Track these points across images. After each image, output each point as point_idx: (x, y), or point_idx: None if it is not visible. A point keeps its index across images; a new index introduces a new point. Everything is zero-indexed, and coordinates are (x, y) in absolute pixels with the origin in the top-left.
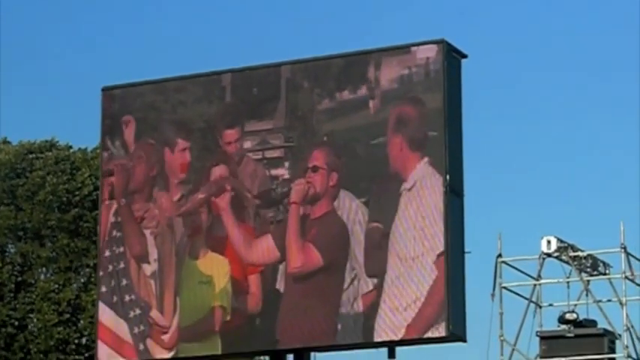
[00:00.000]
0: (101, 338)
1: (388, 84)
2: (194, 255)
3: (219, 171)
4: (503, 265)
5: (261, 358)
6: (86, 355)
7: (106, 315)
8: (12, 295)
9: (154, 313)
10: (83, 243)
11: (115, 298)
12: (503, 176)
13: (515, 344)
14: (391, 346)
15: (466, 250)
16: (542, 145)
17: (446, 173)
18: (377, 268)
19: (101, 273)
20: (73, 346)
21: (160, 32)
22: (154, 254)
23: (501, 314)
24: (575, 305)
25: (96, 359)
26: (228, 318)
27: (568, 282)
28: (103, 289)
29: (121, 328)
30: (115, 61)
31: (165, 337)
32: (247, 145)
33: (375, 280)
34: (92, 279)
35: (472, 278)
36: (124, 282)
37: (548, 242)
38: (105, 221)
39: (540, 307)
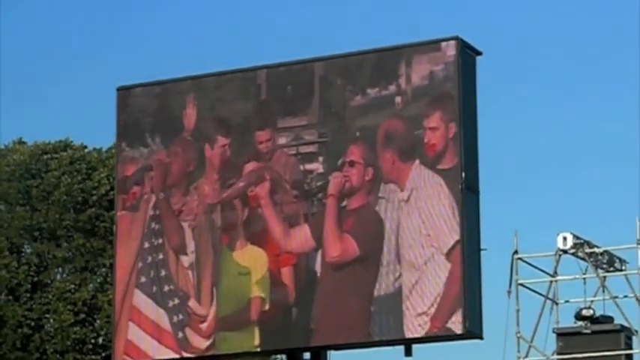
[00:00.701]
0: (140, 326)
1: (419, 80)
2: (232, 247)
3: (252, 167)
4: (520, 261)
5: (278, 357)
6: (103, 354)
7: (145, 304)
8: (28, 295)
9: (192, 303)
10: (99, 243)
11: (154, 288)
12: (519, 173)
13: (531, 341)
14: (408, 343)
15: (482, 247)
16: (558, 142)
17: (461, 170)
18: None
19: (140, 264)
20: (90, 346)
21: (174, 33)
22: (191, 246)
23: (518, 311)
24: (592, 301)
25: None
26: (267, 308)
27: (584, 278)
28: (143, 279)
29: (161, 317)
30: (131, 61)
31: (203, 326)
32: (282, 140)
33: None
34: (108, 279)
35: (488, 275)
36: (163, 273)
37: (564, 239)
38: (143, 215)
39: (557, 303)
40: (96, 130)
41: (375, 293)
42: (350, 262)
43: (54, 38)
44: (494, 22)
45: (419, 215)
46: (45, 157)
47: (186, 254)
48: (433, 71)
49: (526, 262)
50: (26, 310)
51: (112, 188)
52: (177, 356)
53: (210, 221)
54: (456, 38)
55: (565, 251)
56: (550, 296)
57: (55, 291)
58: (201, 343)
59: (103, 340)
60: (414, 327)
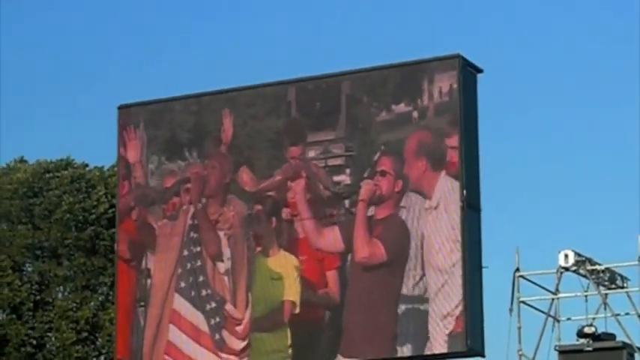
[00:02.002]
0: (180, 328)
1: (439, 97)
2: (265, 253)
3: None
4: (521, 279)
5: None
6: None
7: (184, 308)
8: (30, 313)
9: (228, 307)
10: (100, 261)
11: (192, 293)
12: (521, 191)
13: (533, 359)
14: None
15: (483, 264)
16: (559, 159)
17: (463, 188)
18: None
19: (180, 270)
20: None
21: (174, 51)
22: (227, 253)
23: (519, 329)
24: (594, 319)
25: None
26: (297, 311)
27: (586, 296)
28: (182, 284)
29: (199, 319)
30: (132, 80)
31: (239, 328)
32: (311, 154)
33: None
34: (110, 297)
35: (490, 293)
36: (201, 278)
37: (566, 256)
38: (182, 225)
39: (558, 321)
40: (97, 149)
41: (402, 294)
42: (378, 266)
43: (55, 56)
44: (495, 40)
45: (448, 221)
46: (47, 175)
47: (222, 261)
48: (453, 89)
49: (528, 279)
50: (29, 328)
51: (112, 206)
52: (214, 357)
53: (244, 230)
54: (458, 56)
55: (567, 269)
56: (552, 314)
57: (57, 309)
58: (237, 345)
59: (105, 358)
60: (440, 328)
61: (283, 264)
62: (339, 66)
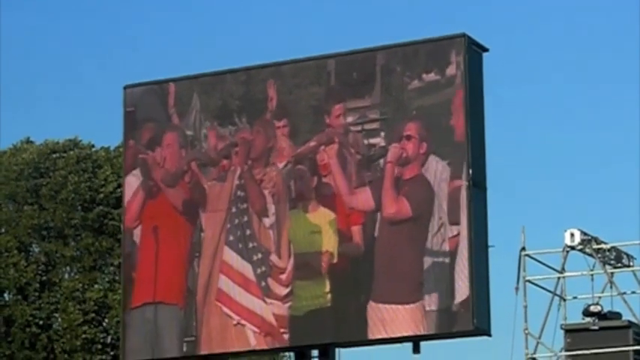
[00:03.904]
0: (230, 277)
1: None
2: (305, 209)
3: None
4: (527, 258)
5: (287, 354)
6: (112, 354)
7: (233, 259)
8: (37, 294)
9: (273, 257)
10: (107, 242)
11: (240, 245)
12: (527, 170)
13: (539, 337)
14: (416, 340)
15: (490, 244)
16: (564, 139)
17: (469, 167)
18: (458, 217)
19: (228, 225)
20: (99, 346)
21: (178, 32)
22: (271, 209)
23: (525, 307)
24: (600, 298)
25: None
26: (335, 261)
27: (592, 274)
28: (231, 237)
29: (247, 269)
30: (138, 60)
31: (283, 277)
32: (349, 119)
33: (458, 227)
34: (117, 277)
35: (496, 272)
36: (248, 232)
37: (572, 235)
38: (230, 185)
39: (564, 300)
40: (105, 129)
41: (427, 248)
42: (404, 220)
43: (61, 38)
44: (501, 20)
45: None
46: (53, 156)
47: (267, 216)
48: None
49: (533, 258)
50: (35, 309)
51: (119, 186)
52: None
53: (287, 188)
54: (463, 35)
55: (572, 247)
56: (558, 292)
57: (64, 290)
58: (281, 291)
59: (112, 339)
60: (462, 279)
61: (321, 218)
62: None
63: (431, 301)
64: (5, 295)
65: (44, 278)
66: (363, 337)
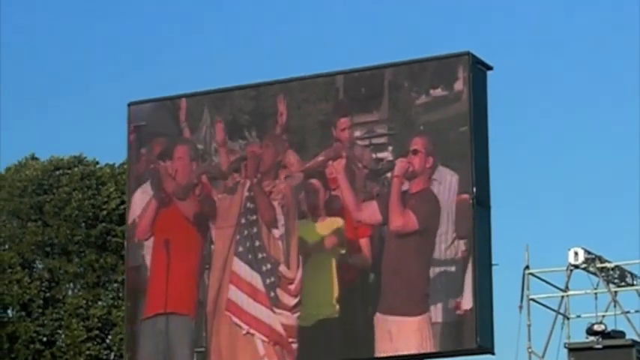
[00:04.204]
0: (239, 287)
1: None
2: (314, 221)
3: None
4: (531, 277)
5: None
6: None
7: (243, 270)
8: (40, 311)
9: (282, 268)
10: (111, 258)
11: (250, 256)
12: (531, 188)
13: (543, 356)
14: (419, 358)
15: (493, 262)
16: (569, 157)
17: (472, 185)
18: (465, 231)
19: (238, 237)
20: None
21: (182, 49)
22: (281, 220)
23: (529, 326)
24: (603, 316)
25: None
26: (343, 272)
27: (596, 293)
28: (240, 248)
29: (256, 279)
30: (143, 78)
31: (291, 287)
32: (357, 133)
33: (464, 240)
34: (120, 294)
35: (500, 290)
36: (257, 243)
37: (576, 254)
38: (240, 197)
39: (568, 318)
40: (110, 145)
41: (434, 258)
42: (411, 234)
43: (66, 52)
44: (505, 37)
45: None
46: (57, 172)
47: (276, 227)
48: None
49: (537, 277)
50: (38, 325)
51: (122, 202)
52: (270, 312)
53: (296, 200)
54: (467, 54)
55: (576, 266)
56: (561, 311)
57: (68, 307)
58: (290, 301)
59: (115, 355)
60: (470, 293)
61: (329, 230)
62: (340, 65)
63: (437, 313)
64: (9, 311)
65: (48, 295)
66: (370, 354)
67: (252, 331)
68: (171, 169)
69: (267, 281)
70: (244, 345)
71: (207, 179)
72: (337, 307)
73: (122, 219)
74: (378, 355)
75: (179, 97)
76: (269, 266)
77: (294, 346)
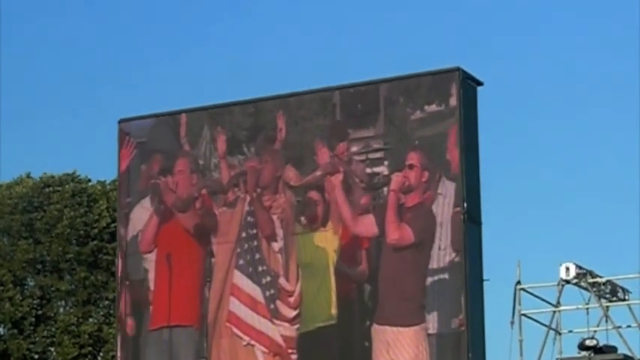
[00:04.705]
0: (240, 299)
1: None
2: (312, 234)
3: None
4: (522, 292)
5: None
6: None
7: (243, 282)
8: (32, 328)
9: (282, 280)
10: (103, 276)
11: (250, 269)
12: (521, 204)
13: None
14: None
15: (485, 277)
16: (559, 172)
17: (463, 201)
18: (458, 244)
19: (238, 250)
20: None
21: (172, 67)
22: (280, 234)
23: (521, 341)
24: (595, 331)
25: None
26: (341, 283)
27: (587, 308)
28: (241, 261)
29: (256, 292)
30: (133, 96)
31: (291, 299)
32: (354, 149)
33: (458, 253)
34: (112, 312)
35: (491, 306)
36: (257, 256)
37: (567, 269)
38: (240, 211)
39: (560, 333)
40: (102, 163)
41: (430, 269)
42: (407, 247)
43: (59, 67)
44: (494, 53)
45: None
46: (47, 189)
47: (276, 241)
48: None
49: (529, 292)
50: (30, 343)
51: (114, 220)
52: (269, 323)
53: (294, 214)
54: (458, 69)
55: (568, 281)
56: (553, 326)
57: (60, 324)
58: (289, 313)
59: None
60: (462, 303)
61: (327, 243)
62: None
63: (433, 324)
64: (1, 329)
65: (39, 312)
66: None
67: (252, 342)
68: (171, 183)
69: (267, 293)
70: (245, 356)
71: (207, 193)
72: (335, 317)
73: (113, 236)
74: None
75: (174, 113)
76: (269, 279)
77: (294, 357)
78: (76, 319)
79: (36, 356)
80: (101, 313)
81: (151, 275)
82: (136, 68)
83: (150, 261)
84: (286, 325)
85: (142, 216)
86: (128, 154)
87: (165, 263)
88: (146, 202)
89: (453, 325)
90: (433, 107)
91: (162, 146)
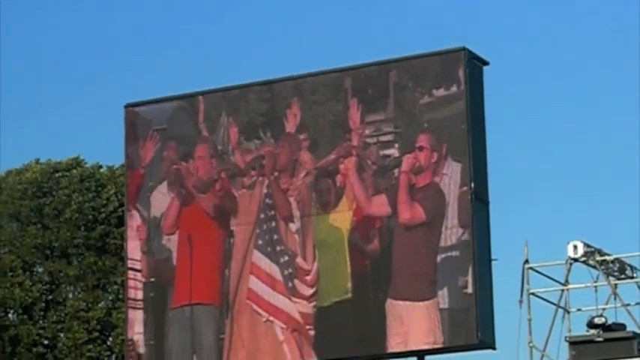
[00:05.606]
0: (259, 278)
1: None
2: (327, 214)
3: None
4: (531, 271)
5: None
6: None
7: (262, 261)
8: (42, 314)
9: (299, 260)
10: (111, 260)
11: (269, 249)
12: (529, 183)
13: (544, 350)
14: (420, 354)
15: (493, 257)
16: (567, 151)
17: (470, 181)
18: (465, 221)
19: (257, 230)
20: None
21: (180, 50)
22: (297, 215)
23: (530, 320)
24: (604, 309)
25: None
26: (356, 261)
27: (596, 286)
28: (260, 242)
29: (274, 270)
30: (142, 78)
31: (308, 278)
32: (366, 132)
33: (467, 229)
34: (120, 296)
35: (500, 285)
36: (275, 236)
37: (575, 247)
38: (259, 193)
39: (568, 312)
40: (109, 148)
41: (440, 247)
42: (418, 225)
43: (64, 54)
44: (502, 32)
45: None
46: (56, 175)
47: (293, 222)
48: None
49: (537, 271)
50: (40, 328)
51: (121, 205)
52: (288, 300)
53: (310, 196)
54: (463, 49)
55: (576, 260)
56: (562, 305)
57: (69, 309)
58: (307, 291)
59: (116, 357)
60: (471, 279)
61: (342, 222)
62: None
63: (444, 298)
64: (10, 314)
65: (49, 297)
66: (382, 337)
67: (271, 318)
68: (192, 167)
69: (286, 272)
70: (264, 331)
71: (226, 176)
72: (350, 291)
73: (121, 221)
74: (390, 337)
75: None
76: (287, 258)
77: (311, 332)
78: (85, 304)
79: (46, 342)
80: (110, 298)
81: (174, 255)
82: (142, 53)
83: (173, 242)
84: (304, 302)
85: (159, 200)
86: (153, 145)
87: (187, 244)
88: (163, 188)
89: (463, 297)
90: (441, 91)
91: (182, 132)
